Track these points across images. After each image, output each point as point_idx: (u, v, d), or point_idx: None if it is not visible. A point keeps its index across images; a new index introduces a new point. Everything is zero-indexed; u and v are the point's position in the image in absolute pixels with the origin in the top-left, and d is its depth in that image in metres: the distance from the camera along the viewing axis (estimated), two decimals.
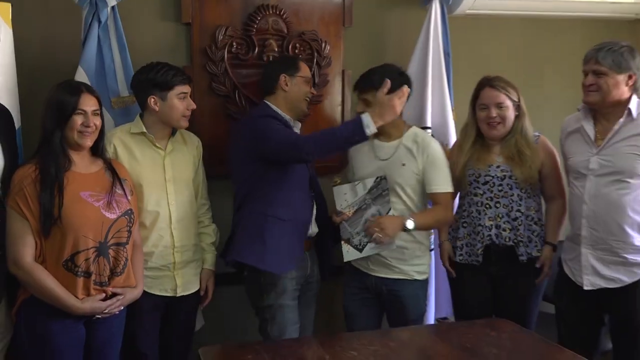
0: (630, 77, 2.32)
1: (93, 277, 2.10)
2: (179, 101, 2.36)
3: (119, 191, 2.19)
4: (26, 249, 2.03)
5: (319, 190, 2.60)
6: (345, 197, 2.55)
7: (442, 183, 2.50)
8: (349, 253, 2.56)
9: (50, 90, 2.14)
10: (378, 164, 2.56)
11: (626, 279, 2.37)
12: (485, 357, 2.01)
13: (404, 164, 2.52)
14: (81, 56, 2.47)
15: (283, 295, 2.48)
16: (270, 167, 2.42)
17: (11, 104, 2.25)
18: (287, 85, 2.48)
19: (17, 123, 2.27)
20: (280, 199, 2.43)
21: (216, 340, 2.61)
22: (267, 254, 2.40)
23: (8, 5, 2.23)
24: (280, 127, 2.42)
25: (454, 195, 2.64)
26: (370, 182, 2.53)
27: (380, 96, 2.30)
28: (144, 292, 2.34)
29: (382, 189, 2.53)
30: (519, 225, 2.53)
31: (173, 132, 2.45)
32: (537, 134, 2.60)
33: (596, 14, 3.26)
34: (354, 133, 2.29)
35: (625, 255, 2.36)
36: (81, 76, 2.45)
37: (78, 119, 2.08)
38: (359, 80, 2.54)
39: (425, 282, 2.65)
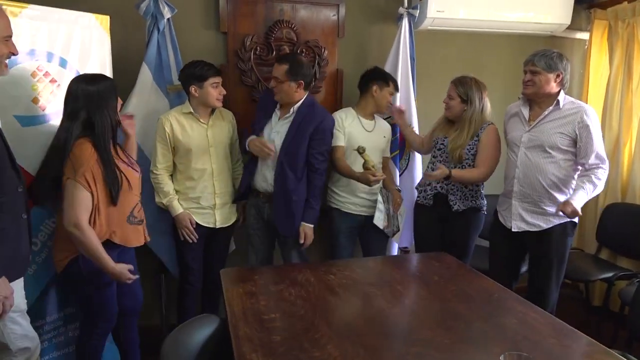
0: (558, 75, 2.62)
1: (143, 222, 2.42)
2: (212, 89, 2.71)
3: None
4: (85, 214, 2.14)
5: None
6: (380, 219, 3.01)
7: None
8: (395, 237, 3.18)
9: (81, 82, 2.17)
10: (365, 134, 3.03)
11: (544, 225, 2.74)
12: (428, 282, 2.26)
13: (384, 137, 3.10)
14: (145, 55, 2.85)
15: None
16: None
17: None
18: None
19: None
20: None
21: (245, 262, 3.06)
22: None
23: (107, 17, 2.61)
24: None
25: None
26: (383, 198, 3.02)
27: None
28: (196, 223, 2.78)
29: (386, 195, 3.05)
30: (453, 183, 2.92)
31: (213, 110, 2.81)
32: (488, 122, 2.88)
33: (521, 31, 3.55)
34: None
35: (544, 207, 2.71)
36: (145, 70, 2.83)
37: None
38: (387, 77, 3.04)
39: None
